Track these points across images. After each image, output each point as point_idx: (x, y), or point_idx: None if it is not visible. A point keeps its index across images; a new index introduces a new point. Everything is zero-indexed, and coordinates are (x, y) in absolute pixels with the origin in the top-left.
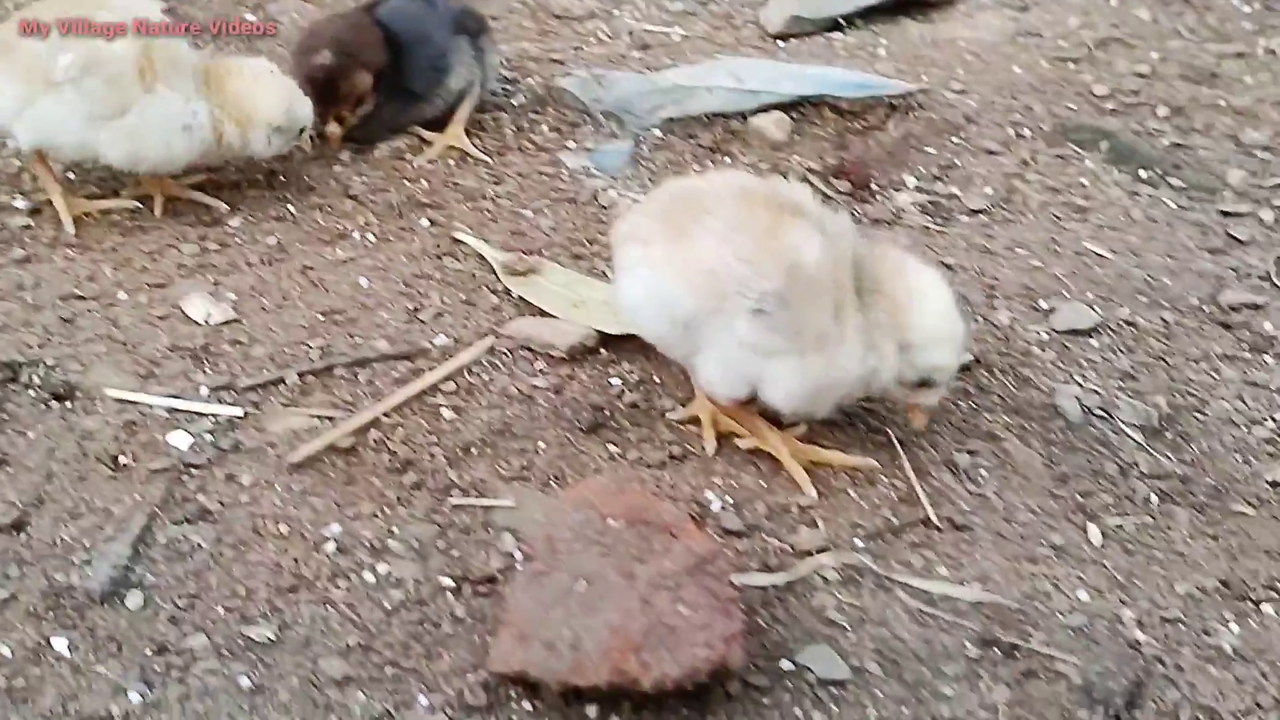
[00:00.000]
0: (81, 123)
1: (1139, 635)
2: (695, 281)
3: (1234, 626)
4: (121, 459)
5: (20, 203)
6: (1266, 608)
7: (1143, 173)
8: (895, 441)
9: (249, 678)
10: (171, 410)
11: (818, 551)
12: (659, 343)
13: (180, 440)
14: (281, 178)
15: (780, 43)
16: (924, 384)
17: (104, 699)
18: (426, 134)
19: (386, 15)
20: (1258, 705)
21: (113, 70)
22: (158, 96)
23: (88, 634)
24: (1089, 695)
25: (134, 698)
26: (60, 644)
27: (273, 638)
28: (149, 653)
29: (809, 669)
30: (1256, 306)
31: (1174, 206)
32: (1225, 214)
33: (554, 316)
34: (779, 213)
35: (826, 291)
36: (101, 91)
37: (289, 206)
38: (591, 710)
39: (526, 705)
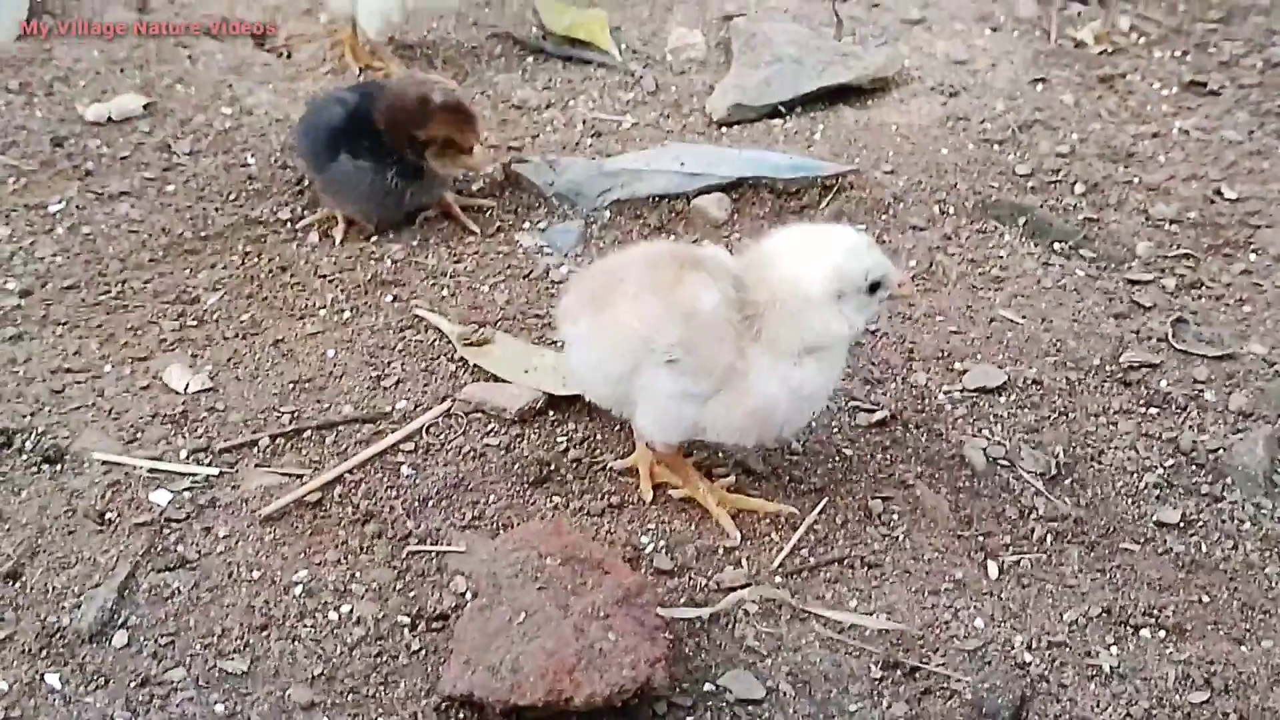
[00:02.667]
0: None
1: (1027, 657)
2: (618, 345)
3: (1114, 649)
4: (108, 514)
5: (11, 284)
6: (1144, 632)
7: (1057, 245)
8: (815, 490)
9: (224, 705)
10: (153, 470)
11: (740, 587)
12: (607, 404)
13: (161, 497)
14: (256, 259)
15: (724, 129)
16: (876, 287)
17: None
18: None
19: None
20: (1129, 717)
21: None
22: None
23: (78, 669)
24: (979, 710)
25: None
26: (53, 679)
27: (245, 669)
28: (133, 685)
29: (728, 690)
30: (1154, 366)
31: (1083, 276)
32: (1131, 282)
33: (506, 382)
34: (679, 269)
35: (728, 330)
36: None
37: (262, 285)
38: None
39: None
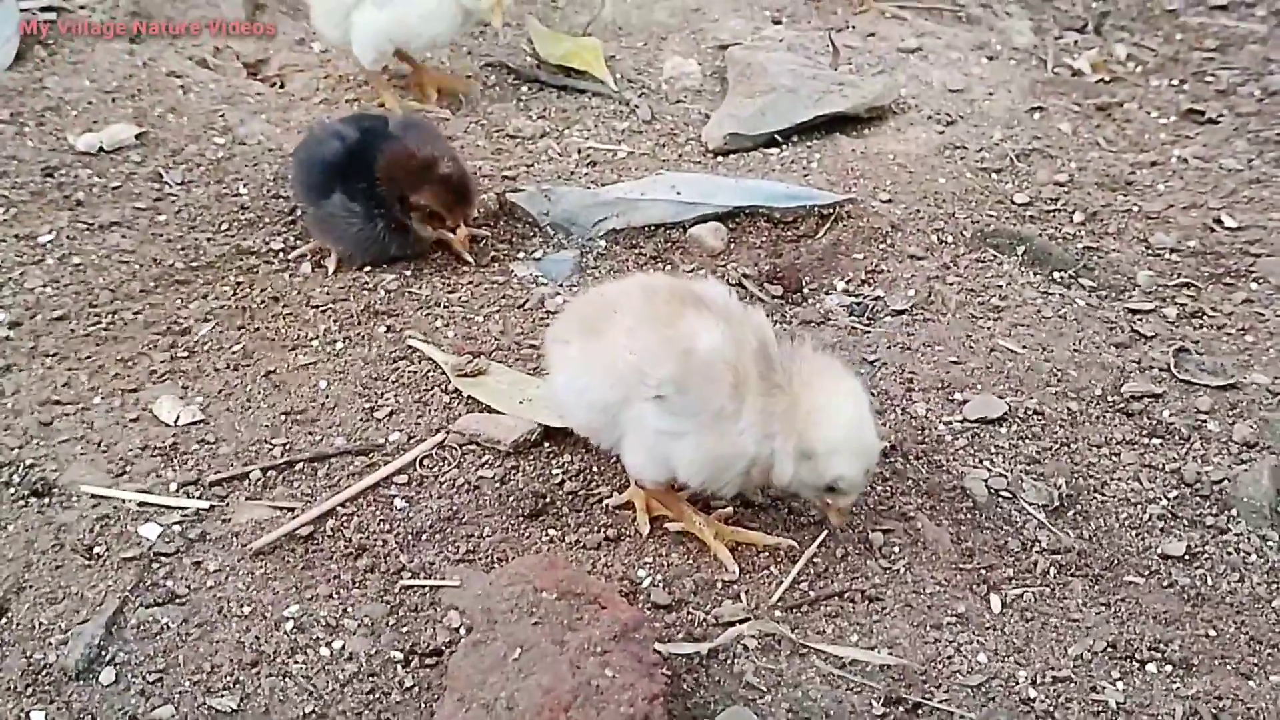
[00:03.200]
0: None
1: (1032, 693)
2: (607, 374)
3: (1120, 684)
4: (96, 549)
5: (0, 315)
6: (1150, 667)
7: (1056, 274)
8: (815, 522)
9: None
10: (142, 504)
11: (739, 622)
12: (588, 433)
13: (150, 531)
14: (248, 289)
15: (720, 158)
16: (831, 489)
17: None
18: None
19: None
20: None
21: None
22: None
23: (64, 707)
24: None
25: None
26: (39, 717)
27: (235, 707)
28: None
29: None
30: (1156, 396)
31: (1084, 305)
32: (1132, 311)
33: (501, 413)
34: (680, 305)
35: (723, 374)
36: None
37: (254, 316)
38: None
39: None
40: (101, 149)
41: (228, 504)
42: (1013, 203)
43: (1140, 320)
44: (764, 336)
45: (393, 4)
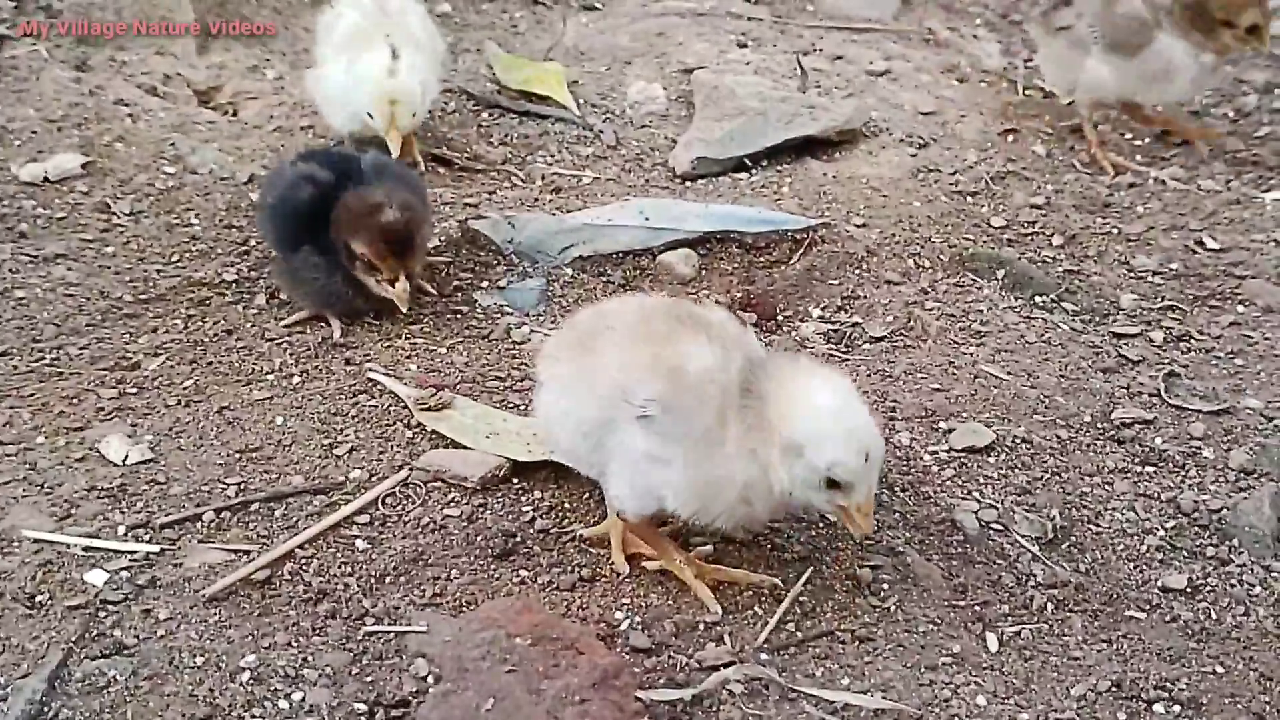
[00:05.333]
0: None
1: None
2: (595, 391)
3: None
4: (38, 597)
5: None
6: (1158, 707)
7: (1038, 298)
8: (800, 558)
9: None
10: (88, 549)
11: (724, 666)
12: (571, 458)
13: (97, 578)
14: (200, 322)
15: (688, 183)
16: (833, 485)
17: None
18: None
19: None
20: None
21: None
22: None
23: None
24: None
25: None
26: None
27: None
28: None
29: None
30: (1147, 422)
31: (1068, 329)
32: (1117, 335)
33: (467, 448)
34: (675, 324)
35: (713, 398)
36: None
37: (206, 350)
38: None
39: None
40: (46, 179)
41: (179, 547)
42: (990, 226)
43: (1126, 344)
44: (750, 356)
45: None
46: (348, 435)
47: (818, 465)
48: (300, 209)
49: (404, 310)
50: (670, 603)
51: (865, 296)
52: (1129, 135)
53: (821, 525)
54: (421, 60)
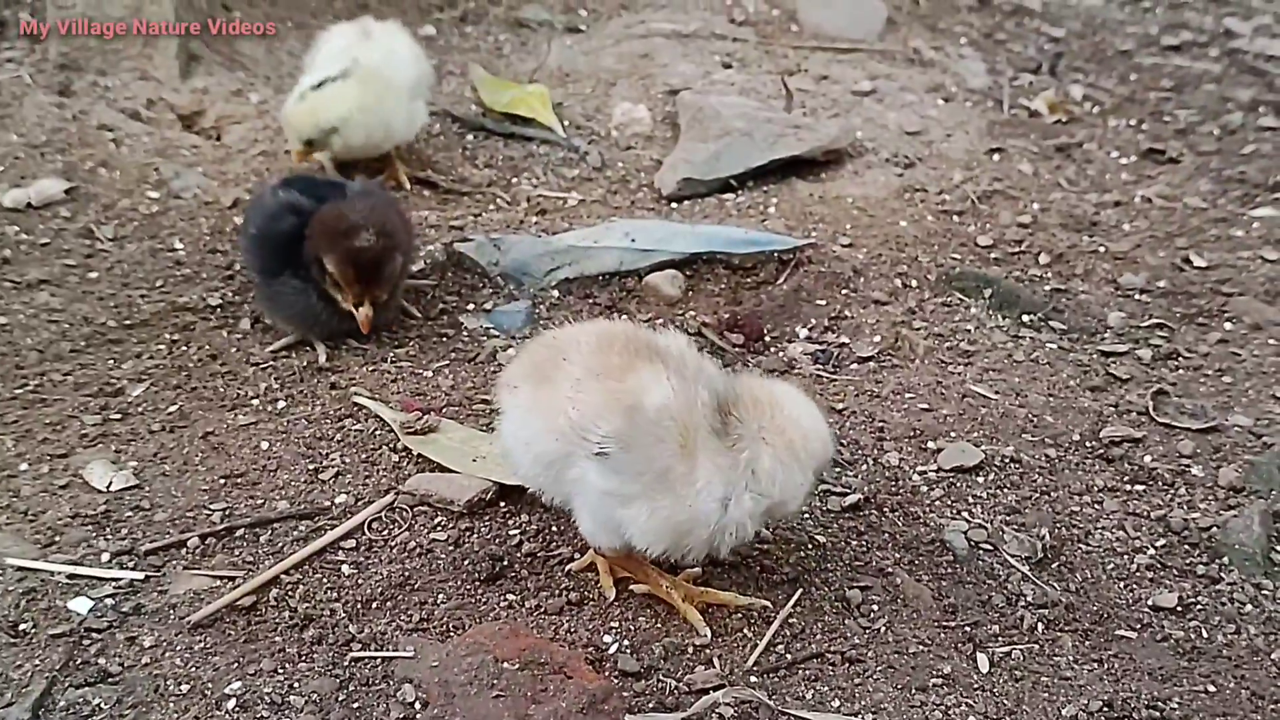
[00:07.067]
0: None
1: None
2: (553, 425)
3: None
4: (22, 625)
5: None
6: None
7: (1026, 317)
8: (789, 580)
9: None
10: (72, 576)
11: (714, 689)
12: (533, 484)
13: (81, 605)
14: (184, 347)
15: (674, 204)
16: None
17: None
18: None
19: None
20: None
21: None
22: None
23: None
24: None
25: None
26: None
27: None
28: None
29: None
30: (1136, 441)
31: (1056, 348)
32: (1105, 354)
33: (453, 471)
34: (633, 357)
35: (672, 434)
36: None
37: (191, 375)
38: None
39: None
40: (30, 205)
41: (164, 574)
42: (977, 245)
43: (1114, 363)
44: (715, 390)
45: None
46: (333, 460)
47: (822, 472)
48: (282, 240)
49: (365, 332)
50: (659, 626)
51: (852, 316)
52: (1114, 153)
53: (810, 547)
54: (349, 98)
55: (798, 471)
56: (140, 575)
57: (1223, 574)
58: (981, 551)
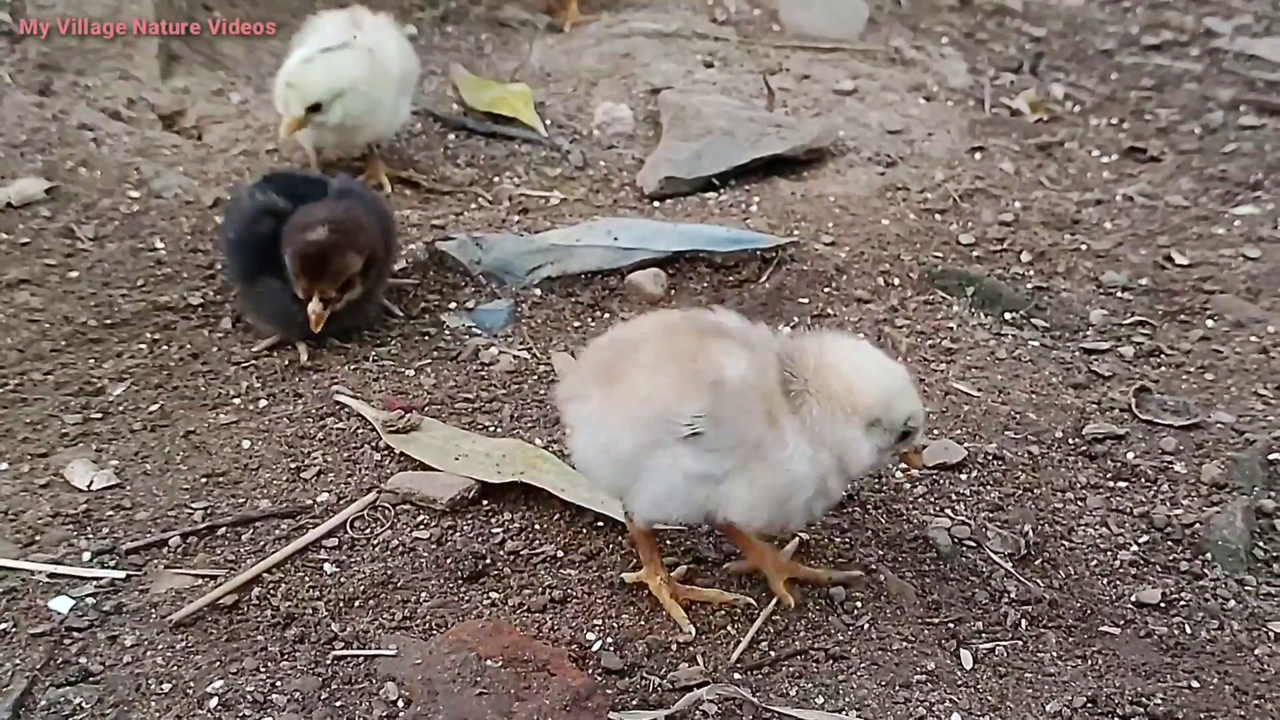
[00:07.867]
0: None
1: None
2: (632, 420)
3: None
4: (2, 625)
5: None
6: None
7: (1008, 315)
8: None
9: None
10: (53, 575)
11: (697, 686)
12: (614, 493)
13: (62, 605)
14: (165, 346)
15: (656, 203)
16: (906, 435)
17: None
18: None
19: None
20: None
21: None
22: None
23: None
24: None
25: None
26: None
27: None
28: None
29: None
30: (1119, 437)
31: (1038, 346)
32: (1087, 351)
33: (436, 470)
34: (701, 337)
35: (756, 402)
36: None
37: (172, 374)
38: None
39: None
40: (9, 204)
41: (145, 573)
42: (959, 243)
43: (1097, 360)
44: (781, 352)
45: None
46: (315, 458)
47: (897, 423)
48: (260, 243)
49: (314, 330)
50: (642, 623)
51: (835, 315)
52: (1095, 152)
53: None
54: (353, 66)
55: (844, 424)
56: (122, 574)
57: (1206, 570)
58: (965, 548)
